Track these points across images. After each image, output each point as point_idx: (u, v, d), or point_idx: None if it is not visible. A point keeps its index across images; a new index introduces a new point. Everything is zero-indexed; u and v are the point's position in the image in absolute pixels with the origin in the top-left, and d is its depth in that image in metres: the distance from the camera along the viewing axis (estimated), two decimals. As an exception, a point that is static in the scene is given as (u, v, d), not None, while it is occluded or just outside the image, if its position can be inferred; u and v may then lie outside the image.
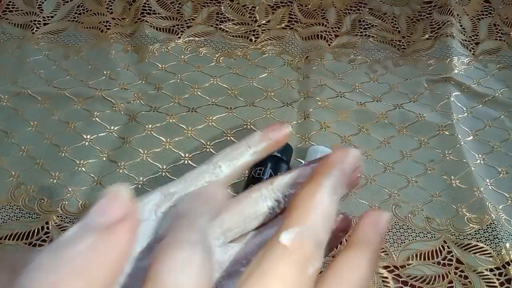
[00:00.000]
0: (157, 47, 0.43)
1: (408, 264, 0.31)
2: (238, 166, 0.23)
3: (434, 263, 0.31)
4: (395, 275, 0.30)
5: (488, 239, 0.32)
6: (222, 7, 0.47)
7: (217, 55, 0.43)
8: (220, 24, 0.46)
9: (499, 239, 0.31)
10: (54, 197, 0.33)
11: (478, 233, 0.32)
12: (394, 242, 0.32)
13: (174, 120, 0.38)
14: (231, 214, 0.22)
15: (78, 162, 0.35)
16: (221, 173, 0.22)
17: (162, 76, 0.41)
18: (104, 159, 0.35)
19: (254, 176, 0.31)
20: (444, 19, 0.47)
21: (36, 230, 0.31)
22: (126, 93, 0.39)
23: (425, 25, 0.47)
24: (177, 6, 0.47)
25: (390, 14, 0.48)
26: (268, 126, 0.23)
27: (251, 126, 0.38)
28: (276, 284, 0.15)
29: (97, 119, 0.37)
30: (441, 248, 0.31)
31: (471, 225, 0.32)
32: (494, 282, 0.30)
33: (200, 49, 0.44)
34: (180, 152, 0.36)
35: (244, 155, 0.23)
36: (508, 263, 0.31)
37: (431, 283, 0.30)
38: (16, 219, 0.32)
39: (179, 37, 0.44)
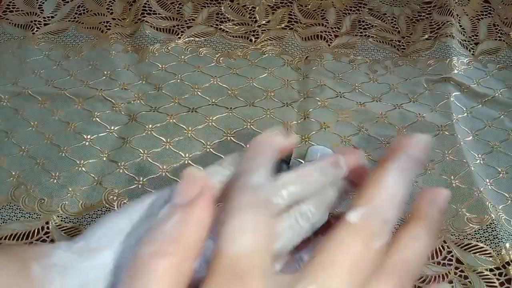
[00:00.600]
0: (157, 47, 0.43)
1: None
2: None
3: (434, 263, 0.31)
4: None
5: (488, 239, 0.32)
6: (222, 8, 0.47)
7: (217, 55, 0.43)
8: (220, 25, 0.46)
9: (499, 239, 0.31)
10: (54, 197, 0.33)
11: (478, 233, 0.32)
12: (394, 242, 0.32)
13: (174, 120, 0.38)
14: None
15: (78, 162, 0.35)
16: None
17: (162, 76, 0.41)
18: (104, 159, 0.35)
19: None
20: (444, 19, 0.47)
21: (36, 230, 0.31)
22: (126, 93, 0.39)
23: (425, 25, 0.47)
24: (177, 7, 0.47)
25: (390, 15, 0.48)
26: (276, 133, 0.23)
27: (251, 126, 0.38)
28: (343, 258, 0.16)
29: (97, 119, 0.37)
30: (441, 248, 0.31)
31: (471, 225, 0.32)
32: (494, 282, 0.30)
33: (200, 49, 0.44)
34: (180, 152, 0.36)
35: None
36: (508, 263, 0.31)
37: (431, 283, 0.30)
38: (16, 219, 0.32)
39: (179, 38, 0.44)
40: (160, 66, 0.42)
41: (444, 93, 0.41)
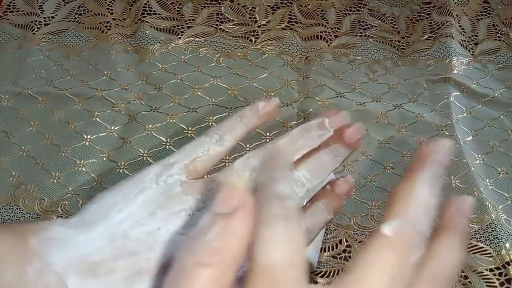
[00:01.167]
0: (158, 48, 0.43)
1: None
2: (236, 138, 0.24)
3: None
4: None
5: (488, 239, 0.32)
6: (222, 8, 0.47)
7: (217, 56, 0.43)
8: (220, 25, 0.46)
9: (499, 239, 0.31)
10: (54, 197, 0.33)
11: (478, 233, 0.32)
12: (394, 241, 0.32)
13: (174, 120, 0.38)
14: None
15: (78, 162, 0.35)
16: (225, 145, 0.24)
17: (162, 76, 0.41)
18: (104, 159, 0.35)
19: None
20: (444, 19, 0.47)
21: (36, 230, 0.31)
22: (126, 93, 0.39)
23: (425, 25, 0.47)
24: (178, 7, 0.47)
25: (390, 15, 0.48)
26: (258, 101, 0.25)
27: (251, 126, 0.38)
28: (378, 272, 0.16)
29: (97, 119, 0.37)
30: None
31: (471, 225, 0.32)
32: (494, 282, 0.30)
33: (200, 49, 0.44)
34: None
35: (240, 129, 0.25)
36: (508, 263, 0.31)
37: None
38: (16, 219, 0.32)
39: (179, 38, 0.44)
40: (160, 66, 0.42)
41: (444, 93, 0.41)
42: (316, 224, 0.23)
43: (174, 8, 0.47)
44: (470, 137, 0.38)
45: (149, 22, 0.45)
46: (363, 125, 0.25)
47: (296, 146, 0.24)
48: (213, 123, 0.38)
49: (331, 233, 0.32)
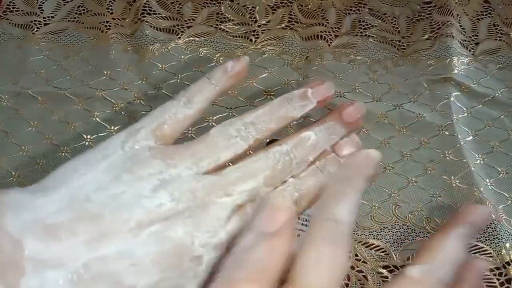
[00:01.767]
0: (157, 47, 0.43)
1: (408, 264, 0.31)
2: (206, 100, 0.25)
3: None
4: (395, 275, 0.30)
5: (488, 239, 0.32)
6: (222, 7, 0.47)
7: (217, 55, 0.43)
8: (220, 24, 0.46)
9: (499, 239, 0.31)
10: (54, 197, 0.33)
11: (478, 233, 0.32)
12: (394, 242, 0.32)
13: (174, 120, 0.38)
14: (202, 145, 0.22)
15: (78, 162, 0.35)
16: (194, 107, 0.24)
17: (162, 76, 0.41)
18: (104, 159, 0.35)
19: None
20: (444, 19, 0.47)
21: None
22: (126, 93, 0.39)
23: (425, 25, 0.47)
24: (177, 7, 0.47)
25: (390, 15, 0.48)
26: (227, 62, 0.25)
27: (251, 126, 0.38)
28: None
29: (97, 119, 0.37)
30: (441, 248, 0.31)
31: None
32: (494, 282, 0.30)
33: (200, 49, 0.44)
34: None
35: (209, 90, 0.25)
36: (508, 263, 0.31)
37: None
38: (16, 219, 0.32)
39: (179, 37, 0.44)
40: (160, 66, 0.42)
41: (444, 93, 0.41)
42: (309, 189, 0.23)
43: (174, 8, 0.47)
44: (471, 137, 0.38)
45: (149, 22, 0.45)
46: (364, 105, 0.25)
47: (276, 115, 0.24)
48: (213, 123, 0.38)
49: (331, 233, 0.32)
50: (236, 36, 0.45)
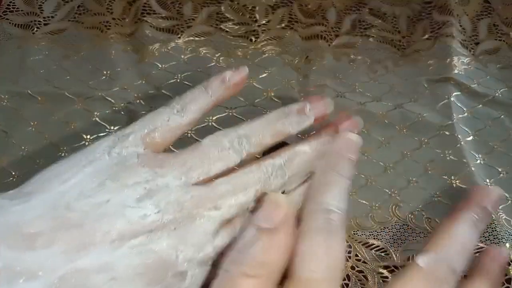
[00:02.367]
0: (157, 47, 0.43)
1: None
2: (200, 109, 0.24)
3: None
4: (395, 275, 0.30)
5: (488, 239, 0.32)
6: (222, 7, 0.47)
7: (217, 55, 0.43)
8: (220, 24, 0.46)
9: (499, 239, 0.31)
10: (54, 197, 0.33)
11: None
12: (394, 242, 0.32)
13: (174, 120, 0.38)
14: (193, 154, 0.21)
15: (78, 162, 0.35)
16: (187, 116, 0.23)
17: (162, 76, 0.41)
18: (104, 159, 0.35)
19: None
20: (444, 19, 0.47)
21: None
22: (126, 93, 0.39)
23: (425, 25, 0.47)
24: (177, 6, 0.47)
25: (390, 14, 0.48)
26: (225, 71, 0.24)
27: (251, 126, 0.38)
28: None
29: (97, 119, 0.37)
30: (441, 248, 0.31)
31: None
32: (494, 282, 0.30)
33: (200, 49, 0.44)
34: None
35: (205, 99, 0.24)
36: (508, 263, 0.31)
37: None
38: (16, 219, 0.32)
39: (179, 37, 0.44)
40: (160, 66, 0.42)
41: (444, 93, 0.41)
42: (297, 168, 0.22)
43: (174, 8, 0.47)
44: (471, 137, 0.38)
45: (148, 22, 0.45)
46: (362, 121, 0.24)
47: (271, 129, 0.23)
48: (213, 123, 0.38)
49: (331, 233, 0.32)
50: (236, 36, 0.45)
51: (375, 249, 0.32)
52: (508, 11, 0.49)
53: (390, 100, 0.40)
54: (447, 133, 0.38)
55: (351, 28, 0.47)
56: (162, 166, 0.20)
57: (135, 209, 0.19)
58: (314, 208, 0.18)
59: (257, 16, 0.47)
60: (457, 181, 0.35)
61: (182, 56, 0.43)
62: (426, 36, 0.46)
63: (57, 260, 0.17)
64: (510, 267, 0.30)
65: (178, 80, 0.41)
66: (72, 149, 0.35)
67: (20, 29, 0.44)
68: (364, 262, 0.31)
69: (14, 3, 0.46)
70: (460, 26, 0.47)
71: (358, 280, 0.30)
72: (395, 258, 0.31)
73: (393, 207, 0.34)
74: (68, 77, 0.40)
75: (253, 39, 0.45)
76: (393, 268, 0.30)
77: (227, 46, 0.44)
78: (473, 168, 0.35)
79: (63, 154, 0.35)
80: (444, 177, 0.35)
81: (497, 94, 0.41)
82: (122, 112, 0.38)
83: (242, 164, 0.22)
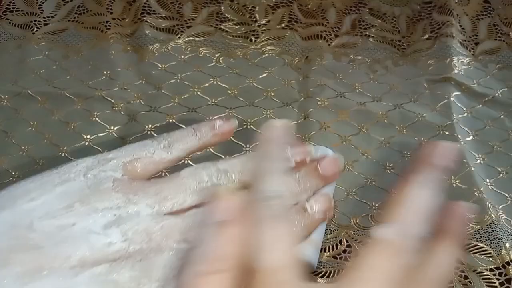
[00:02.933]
0: (157, 47, 0.43)
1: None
2: (186, 150, 0.23)
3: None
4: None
5: (488, 239, 0.32)
6: (222, 7, 0.47)
7: (217, 55, 0.43)
8: (220, 24, 0.46)
9: (499, 239, 0.31)
10: (54, 197, 0.33)
11: (478, 233, 0.32)
12: (394, 242, 0.32)
13: (174, 120, 0.38)
14: (170, 184, 0.21)
15: (78, 162, 0.35)
16: (172, 153, 0.22)
17: (162, 76, 0.41)
18: (104, 159, 0.35)
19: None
20: (444, 19, 0.47)
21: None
22: (126, 93, 0.39)
23: (425, 25, 0.47)
24: (177, 6, 0.47)
25: (390, 14, 0.48)
26: (216, 118, 0.24)
27: (251, 126, 0.38)
28: (373, 275, 0.16)
29: (97, 119, 0.37)
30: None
31: (471, 225, 0.32)
32: (494, 282, 0.30)
33: (200, 49, 0.44)
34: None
35: (192, 141, 0.24)
36: (508, 263, 0.31)
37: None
38: (16, 219, 0.32)
39: (179, 37, 0.44)
40: (160, 66, 0.42)
41: (444, 93, 0.41)
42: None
43: (174, 8, 0.47)
44: (471, 137, 0.38)
45: (148, 22, 0.45)
46: (343, 159, 0.23)
47: (250, 169, 0.22)
48: (213, 123, 0.38)
49: (331, 233, 0.32)
50: (236, 36, 0.45)
51: (375, 249, 0.32)
52: (508, 11, 0.49)
53: (390, 100, 0.40)
54: (447, 133, 0.38)
55: (351, 28, 0.47)
56: (136, 193, 0.20)
57: (100, 236, 0.18)
58: (255, 198, 0.17)
59: (257, 16, 0.47)
60: (457, 181, 0.35)
61: (182, 56, 0.43)
62: (426, 36, 0.46)
63: (9, 282, 0.16)
64: (510, 267, 0.30)
65: (178, 80, 0.41)
66: (72, 149, 0.35)
67: (20, 29, 0.44)
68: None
69: (14, 3, 0.46)
70: (460, 26, 0.47)
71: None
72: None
73: (393, 207, 0.34)
74: (68, 77, 0.40)
75: (253, 39, 0.45)
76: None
77: (227, 46, 0.44)
78: (473, 168, 0.35)
79: (63, 154, 0.35)
80: (444, 177, 0.35)
81: (497, 94, 0.41)
82: (122, 112, 0.38)
83: None
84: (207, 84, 0.41)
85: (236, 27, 0.46)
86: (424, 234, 0.17)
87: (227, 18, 0.47)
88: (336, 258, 0.31)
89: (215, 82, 0.41)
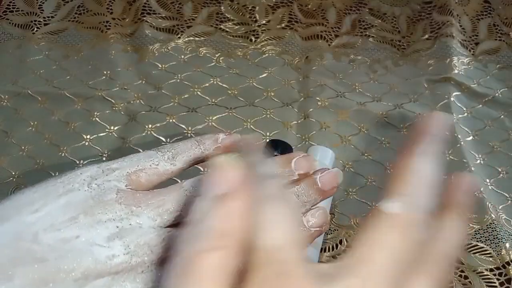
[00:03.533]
0: (157, 47, 0.43)
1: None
2: (189, 162, 0.23)
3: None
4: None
5: (488, 239, 0.32)
6: (222, 7, 0.47)
7: (217, 55, 0.43)
8: (220, 24, 0.46)
9: (499, 239, 0.31)
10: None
11: (478, 233, 0.32)
12: (394, 242, 0.32)
13: (174, 120, 0.38)
14: (171, 196, 0.21)
15: (78, 162, 0.35)
16: (176, 164, 0.22)
17: (162, 76, 0.41)
18: (104, 159, 0.35)
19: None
20: (444, 19, 0.47)
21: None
22: (126, 93, 0.39)
23: (425, 25, 0.47)
24: (177, 6, 0.47)
25: (390, 14, 0.48)
26: (220, 132, 0.24)
27: (251, 126, 0.38)
28: (382, 251, 0.15)
29: (97, 119, 0.37)
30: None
31: (471, 225, 0.32)
32: (494, 282, 0.30)
33: (200, 49, 0.44)
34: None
35: (196, 154, 0.23)
36: (508, 263, 0.31)
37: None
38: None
39: (179, 37, 0.44)
40: (160, 66, 0.42)
41: (444, 93, 0.41)
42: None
43: (174, 8, 0.47)
44: (471, 137, 0.38)
45: (148, 22, 0.45)
46: (341, 174, 0.23)
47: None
48: (213, 123, 0.38)
49: (331, 233, 0.32)
50: (236, 36, 0.45)
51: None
52: (508, 11, 0.49)
53: (390, 100, 0.40)
54: (447, 133, 0.38)
55: (351, 28, 0.47)
56: (139, 205, 0.20)
57: (103, 248, 0.18)
58: (256, 176, 0.17)
59: (257, 16, 0.47)
60: (457, 181, 0.35)
61: (182, 56, 0.43)
62: (426, 36, 0.46)
63: None
64: (510, 267, 0.30)
65: (178, 80, 0.41)
66: (72, 149, 0.35)
67: (20, 29, 0.44)
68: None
69: (14, 3, 0.46)
70: (460, 26, 0.47)
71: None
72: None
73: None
74: (68, 77, 0.40)
75: (253, 39, 0.45)
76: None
77: (227, 46, 0.44)
78: (473, 168, 0.35)
79: (63, 154, 0.35)
80: (444, 177, 0.35)
81: (497, 94, 0.41)
82: (122, 112, 0.38)
83: None
84: (207, 84, 0.41)
85: (236, 27, 0.46)
86: (431, 207, 0.17)
87: (227, 18, 0.47)
88: (336, 258, 0.31)
89: (215, 82, 0.41)
